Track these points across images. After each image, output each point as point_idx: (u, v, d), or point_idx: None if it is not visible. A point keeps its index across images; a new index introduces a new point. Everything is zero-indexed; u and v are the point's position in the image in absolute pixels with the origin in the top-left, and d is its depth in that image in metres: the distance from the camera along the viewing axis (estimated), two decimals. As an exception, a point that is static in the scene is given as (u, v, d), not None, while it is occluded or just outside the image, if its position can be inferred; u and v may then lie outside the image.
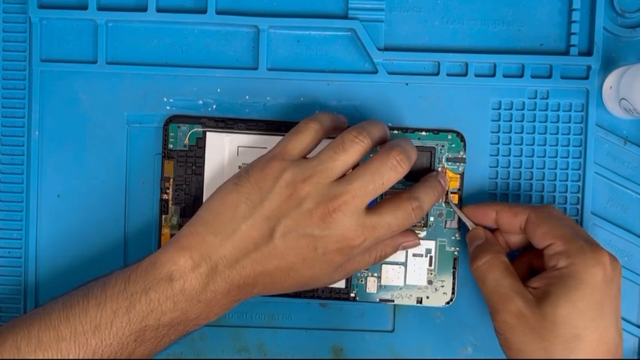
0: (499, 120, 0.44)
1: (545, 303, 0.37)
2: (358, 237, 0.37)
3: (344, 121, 0.41)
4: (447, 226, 0.44)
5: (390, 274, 0.44)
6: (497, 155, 0.44)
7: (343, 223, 0.37)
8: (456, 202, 0.43)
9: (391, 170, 0.38)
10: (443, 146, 0.43)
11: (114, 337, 0.36)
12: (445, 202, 0.43)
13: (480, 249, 0.40)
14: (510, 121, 0.44)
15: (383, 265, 0.43)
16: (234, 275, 0.37)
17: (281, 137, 0.40)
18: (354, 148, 0.38)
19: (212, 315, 0.38)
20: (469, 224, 0.42)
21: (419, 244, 0.43)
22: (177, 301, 0.36)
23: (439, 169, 0.43)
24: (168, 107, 0.44)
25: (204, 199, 0.43)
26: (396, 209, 0.39)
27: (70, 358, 0.36)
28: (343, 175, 0.38)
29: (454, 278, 0.43)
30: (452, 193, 0.43)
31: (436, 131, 0.43)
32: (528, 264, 0.42)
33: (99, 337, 0.36)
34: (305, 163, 0.38)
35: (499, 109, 0.44)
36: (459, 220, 0.43)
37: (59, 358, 0.36)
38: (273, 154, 0.38)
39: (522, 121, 0.44)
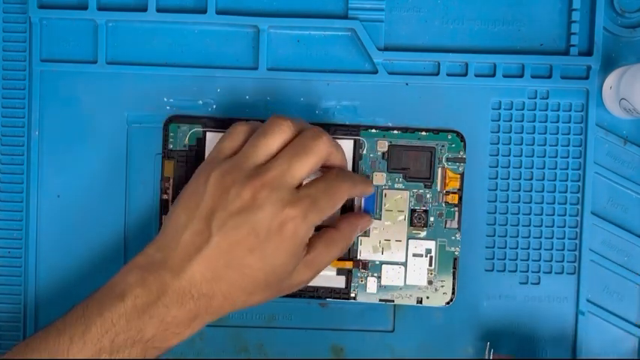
0: (499, 120, 0.44)
1: None
2: (294, 208, 0.36)
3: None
4: (447, 226, 0.44)
5: (390, 274, 0.43)
6: (497, 155, 0.44)
7: (275, 198, 0.36)
8: (456, 201, 0.43)
9: (313, 140, 0.38)
10: (443, 146, 0.43)
11: None
12: None
13: None
14: (510, 121, 0.44)
15: (383, 265, 0.43)
16: (185, 285, 0.36)
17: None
18: (274, 132, 0.38)
19: (170, 335, 0.36)
20: None
21: (371, 222, 0.43)
22: (130, 319, 0.35)
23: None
24: (168, 107, 0.44)
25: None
26: (324, 177, 0.39)
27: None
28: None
29: (454, 278, 0.43)
30: (452, 193, 0.43)
31: (436, 131, 0.43)
32: None
33: None
34: (230, 159, 0.38)
35: (499, 109, 0.44)
36: (459, 220, 0.43)
37: None
38: (204, 162, 0.39)
39: (522, 121, 0.44)
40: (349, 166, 0.43)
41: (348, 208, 0.43)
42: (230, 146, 0.39)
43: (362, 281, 0.44)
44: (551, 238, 0.44)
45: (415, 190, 0.43)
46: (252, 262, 0.36)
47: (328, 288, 0.43)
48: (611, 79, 0.43)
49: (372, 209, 0.43)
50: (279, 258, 0.37)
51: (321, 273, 0.43)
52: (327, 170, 0.40)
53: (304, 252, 0.39)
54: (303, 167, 0.37)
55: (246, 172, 0.37)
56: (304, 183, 0.39)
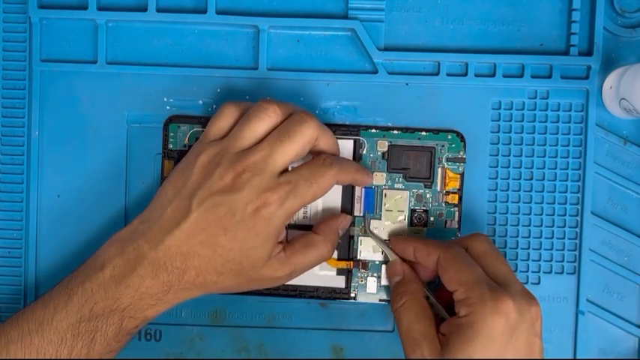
0: (499, 120, 0.44)
1: (446, 353, 0.36)
2: (273, 193, 0.37)
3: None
4: (447, 226, 0.44)
5: (390, 274, 0.43)
6: (497, 155, 0.44)
7: (255, 183, 0.37)
8: (456, 201, 0.43)
9: (299, 124, 0.38)
10: (443, 146, 0.43)
11: (54, 333, 0.37)
12: (368, 232, 0.43)
13: (399, 289, 0.40)
14: (510, 121, 0.44)
15: (383, 265, 0.43)
16: (160, 256, 0.37)
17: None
18: (260, 117, 0.39)
19: (144, 306, 0.38)
20: (390, 255, 0.42)
21: (349, 218, 0.43)
22: (107, 288, 0.37)
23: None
24: (168, 107, 0.44)
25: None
26: (308, 163, 0.39)
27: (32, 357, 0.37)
28: None
29: (454, 278, 0.43)
30: (452, 193, 0.43)
31: (436, 131, 0.43)
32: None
33: (41, 334, 0.37)
34: (218, 141, 0.39)
35: (499, 109, 0.44)
36: (459, 220, 0.43)
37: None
38: (196, 142, 0.40)
39: (522, 121, 0.44)
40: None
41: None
42: (220, 127, 0.40)
43: (362, 281, 0.44)
44: (551, 238, 0.44)
45: (415, 190, 0.43)
46: (225, 242, 0.37)
47: (328, 288, 0.43)
48: (611, 79, 0.43)
49: (372, 209, 0.43)
50: (250, 241, 0.38)
51: (321, 273, 0.43)
52: (316, 155, 0.40)
53: (280, 248, 0.39)
54: (286, 152, 0.38)
55: (231, 156, 0.38)
56: (291, 168, 0.39)
